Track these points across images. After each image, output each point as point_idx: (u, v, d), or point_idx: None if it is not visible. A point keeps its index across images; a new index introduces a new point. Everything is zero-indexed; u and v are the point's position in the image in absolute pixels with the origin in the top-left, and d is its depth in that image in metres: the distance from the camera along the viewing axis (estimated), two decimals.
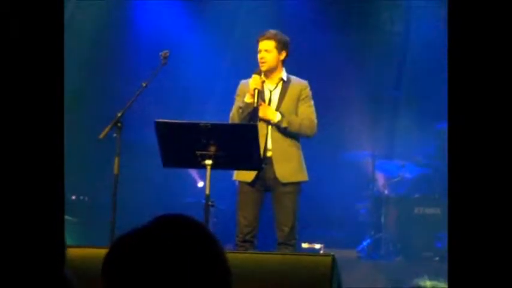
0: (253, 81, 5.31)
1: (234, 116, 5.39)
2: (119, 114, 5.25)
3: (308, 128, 5.45)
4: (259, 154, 4.91)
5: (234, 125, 5.27)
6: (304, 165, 5.46)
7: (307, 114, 5.47)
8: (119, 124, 5.24)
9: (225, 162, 4.89)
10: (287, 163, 5.36)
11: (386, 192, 8.68)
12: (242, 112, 5.31)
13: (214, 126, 4.88)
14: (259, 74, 5.36)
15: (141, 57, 8.39)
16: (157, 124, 4.86)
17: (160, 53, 5.51)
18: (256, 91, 5.27)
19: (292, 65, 5.64)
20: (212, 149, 4.79)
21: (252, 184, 5.39)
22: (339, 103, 9.00)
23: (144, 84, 5.41)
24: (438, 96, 7.27)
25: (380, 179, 8.85)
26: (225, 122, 5.36)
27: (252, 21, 8.82)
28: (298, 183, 5.44)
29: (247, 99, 5.30)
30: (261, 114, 5.34)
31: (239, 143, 4.86)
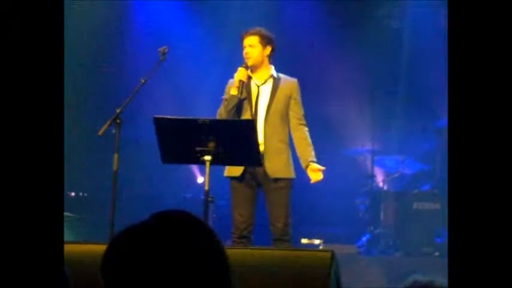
0: (239, 73, 5.40)
1: (220, 111, 5.44)
2: (118, 111, 5.25)
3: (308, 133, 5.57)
4: (257, 150, 4.91)
5: (232, 121, 5.28)
6: (291, 162, 5.47)
7: (300, 115, 5.54)
8: (118, 120, 5.24)
9: (224, 158, 4.89)
10: (277, 159, 5.34)
11: (385, 187, 8.70)
12: (228, 105, 5.37)
13: (213, 122, 4.89)
14: (246, 67, 5.42)
15: (139, 53, 8.40)
16: (156, 120, 4.86)
17: (159, 49, 5.51)
18: (241, 83, 5.34)
19: (290, 61, 5.66)
20: (211, 145, 4.80)
21: (242, 179, 5.40)
22: (337, 99, 9.01)
23: (143, 81, 5.41)
24: (439, 93, 7.27)
25: (379, 174, 8.86)
26: (224, 118, 5.36)
27: (251, 19, 8.81)
28: (288, 179, 5.44)
29: (233, 91, 5.37)
30: (315, 180, 5.41)
31: (238, 138, 4.86)
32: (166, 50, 5.50)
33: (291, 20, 9.10)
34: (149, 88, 5.60)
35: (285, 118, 5.48)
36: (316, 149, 5.71)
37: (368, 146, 8.70)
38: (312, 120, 5.75)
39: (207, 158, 4.81)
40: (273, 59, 5.59)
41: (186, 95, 8.98)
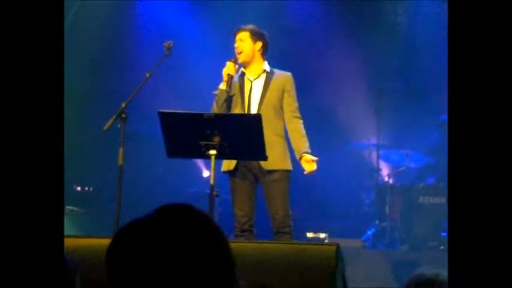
0: (227, 67, 5.44)
1: (213, 107, 5.46)
2: (123, 105, 5.26)
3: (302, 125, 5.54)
4: (263, 144, 4.91)
5: (237, 115, 5.28)
6: (288, 154, 5.48)
7: (294, 107, 5.54)
8: (123, 115, 5.25)
9: (229, 153, 4.90)
10: (270, 151, 5.18)
11: (391, 181, 8.69)
12: (218, 99, 5.40)
13: (218, 117, 4.89)
14: (234, 62, 5.46)
15: (144, 48, 8.41)
16: (161, 114, 4.86)
17: (163, 44, 5.52)
18: (230, 77, 5.38)
19: (296, 58, 5.66)
20: (216, 139, 4.80)
21: (237, 173, 5.41)
22: (343, 93, 9.01)
23: (148, 75, 5.41)
24: (443, 87, 7.27)
25: (385, 168, 8.86)
26: (229, 113, 5.37)
27: (256, 14, 8.82)
28: (284, 171, 5.44)
29: (222, 86, 5.42)
30: (309, 171, 5.39)
31: (243, 133, 4.86)
32: (171, 45, 5.51)
33: (296, 16, 9.10)
34: (154, 83, 5.61)
35: (279, 111, 5.49)
36: (321, 143, 5.71)
37: (373, 140, 8.69)
38: (318, 114, 5.76)
39: (212, 152, 4.81)
40: (268, 55, 5.62)
41: (191, 89, 8.98)
